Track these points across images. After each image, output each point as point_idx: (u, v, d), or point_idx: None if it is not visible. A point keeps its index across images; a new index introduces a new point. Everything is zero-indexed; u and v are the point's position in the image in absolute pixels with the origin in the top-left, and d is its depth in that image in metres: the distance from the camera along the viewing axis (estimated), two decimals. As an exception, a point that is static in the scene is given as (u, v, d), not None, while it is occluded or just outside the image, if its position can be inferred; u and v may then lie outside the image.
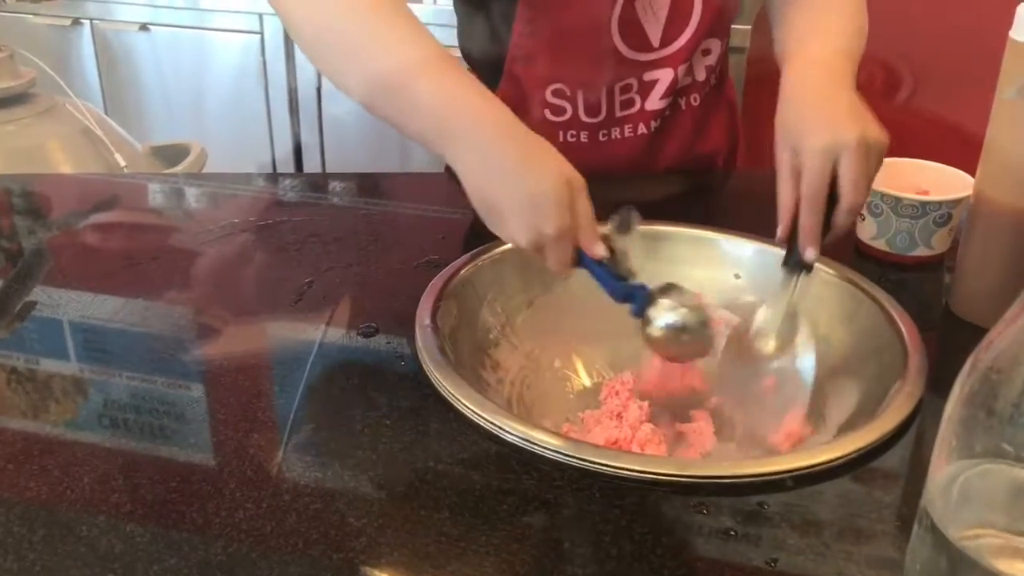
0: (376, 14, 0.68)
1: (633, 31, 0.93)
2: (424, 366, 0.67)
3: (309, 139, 2.28)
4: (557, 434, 0.60)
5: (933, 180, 0.87)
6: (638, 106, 0.98)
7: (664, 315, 0.65)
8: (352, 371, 0.68)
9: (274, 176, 1.58)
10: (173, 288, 0.80)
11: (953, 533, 0.42)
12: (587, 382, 0.79)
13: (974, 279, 0.76)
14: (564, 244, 0.62)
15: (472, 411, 0.61)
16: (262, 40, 2.20)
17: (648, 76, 0.96)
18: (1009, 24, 0.69)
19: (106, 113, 1.96)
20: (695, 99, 1.01)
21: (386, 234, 0.89)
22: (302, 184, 1.07)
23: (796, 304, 0.71)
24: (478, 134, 0.64)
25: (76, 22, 2.31)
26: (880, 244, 0.86)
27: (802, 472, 0.57)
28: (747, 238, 0.84)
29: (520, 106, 0.95)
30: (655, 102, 0.97)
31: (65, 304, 0.77)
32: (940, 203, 0.83)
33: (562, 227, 0.61)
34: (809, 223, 0.69)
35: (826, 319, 0.76)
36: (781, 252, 0.72)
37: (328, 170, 2.31)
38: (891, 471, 0.59)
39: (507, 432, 0.60)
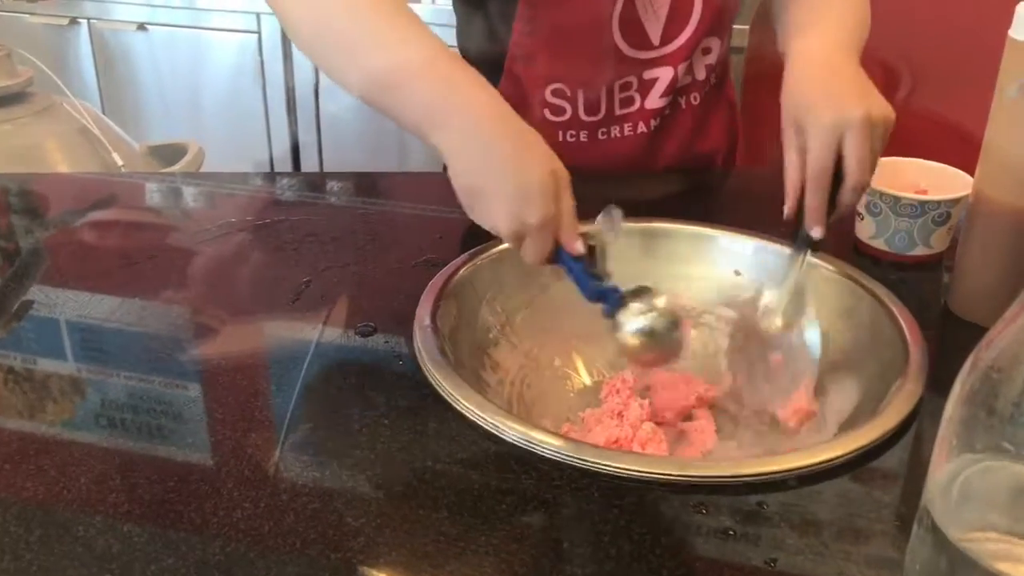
0: (377, 12, 0.68)
1: (633, 29, 0.93)
2: (423, 366, 0.67)
3: (306, 138, 2.28)
4: (556, 434, 0.60)
5: (932, 179, 0.87)
6: (638, 104, 0.97)
7: (633, 320, 0.64)
8: (350, 370, 0.68)
9: (271, 175, 1.57)
10: (170, 287, 0.79)
11: (954, 533, 0.42)
12: (587, 381, 0.79)
13: (973, 278, 0.76)
14: (545, 236, 0.62)
15: (471, 411, 0.61)
16: (259, 39, 2.19)
17: (648, 74, 0.96)
18: (1009, 23, 0.69)
19: (103, 112, 1.96)
20: (695, 98, 1.01)
21: (384, 233, 0.89)
22: (299, 183, 1.07)
23: (803, 282, 0.71)
24: (472, 119, 0.64)
25: (73, 21, 2.31)
26: (879, 243, 0.86)
27: (802, 472, 0.57)
28: (746, 234, 0.84)
29: (520, 106, 0.94)
30: (655, 101, 0.97)
31: (62, 303, 0.76)
32: (939, 202, 0.83)
33: (546, 218, 0.61)
34: (815, 202, 0.70)
35: (826, 315, 0.76)
36: (781, 248, 0.72)
37: (326, 169, 2.31)
38: (891, 471, 0.59)
39: (506, 432, 0.60)
